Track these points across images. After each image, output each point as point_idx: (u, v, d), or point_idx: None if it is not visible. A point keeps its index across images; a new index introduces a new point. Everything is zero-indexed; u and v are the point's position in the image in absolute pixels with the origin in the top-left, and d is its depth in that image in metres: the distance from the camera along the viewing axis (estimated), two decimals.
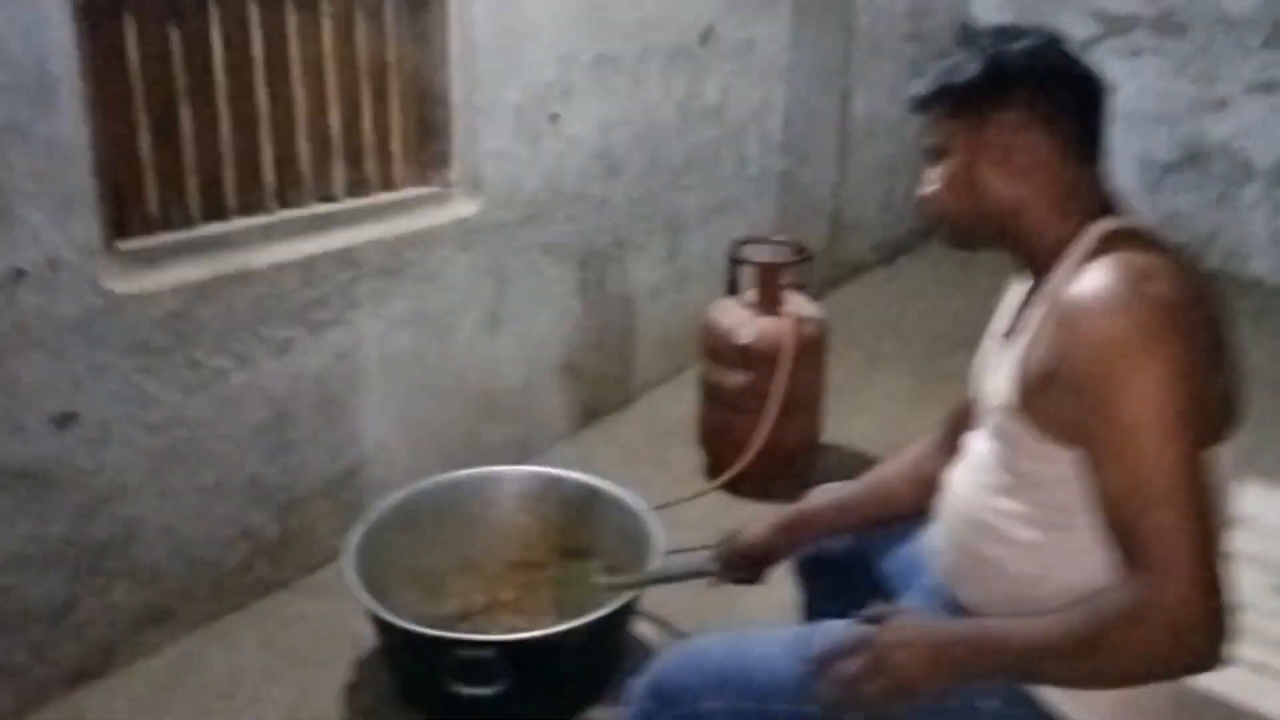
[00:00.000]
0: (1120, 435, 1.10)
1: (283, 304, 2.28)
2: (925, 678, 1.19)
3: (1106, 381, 1.10)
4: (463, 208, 2.69)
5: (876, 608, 1.30)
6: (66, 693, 2.06)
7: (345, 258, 2.40)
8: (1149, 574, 1.08)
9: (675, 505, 2.66)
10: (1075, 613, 1.14)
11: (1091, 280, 1.14)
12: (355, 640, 2.27)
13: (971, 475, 1.35)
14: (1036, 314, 1.24)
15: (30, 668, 1.99)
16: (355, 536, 1.93)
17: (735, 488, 2.82)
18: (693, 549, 1.97)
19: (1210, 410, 1.14)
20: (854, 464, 3.12)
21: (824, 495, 1.66)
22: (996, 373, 1.30)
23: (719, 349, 2.79)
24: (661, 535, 1.95)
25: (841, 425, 3.17)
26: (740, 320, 2.76)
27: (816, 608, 1.80)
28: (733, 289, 2.90)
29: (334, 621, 2.34)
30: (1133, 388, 1.09)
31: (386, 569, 1.97)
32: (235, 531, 2.31)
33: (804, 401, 2.80)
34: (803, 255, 2.81)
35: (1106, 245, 1.19)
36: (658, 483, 2.94)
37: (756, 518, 1.72)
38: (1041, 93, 1.24)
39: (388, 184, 2.59)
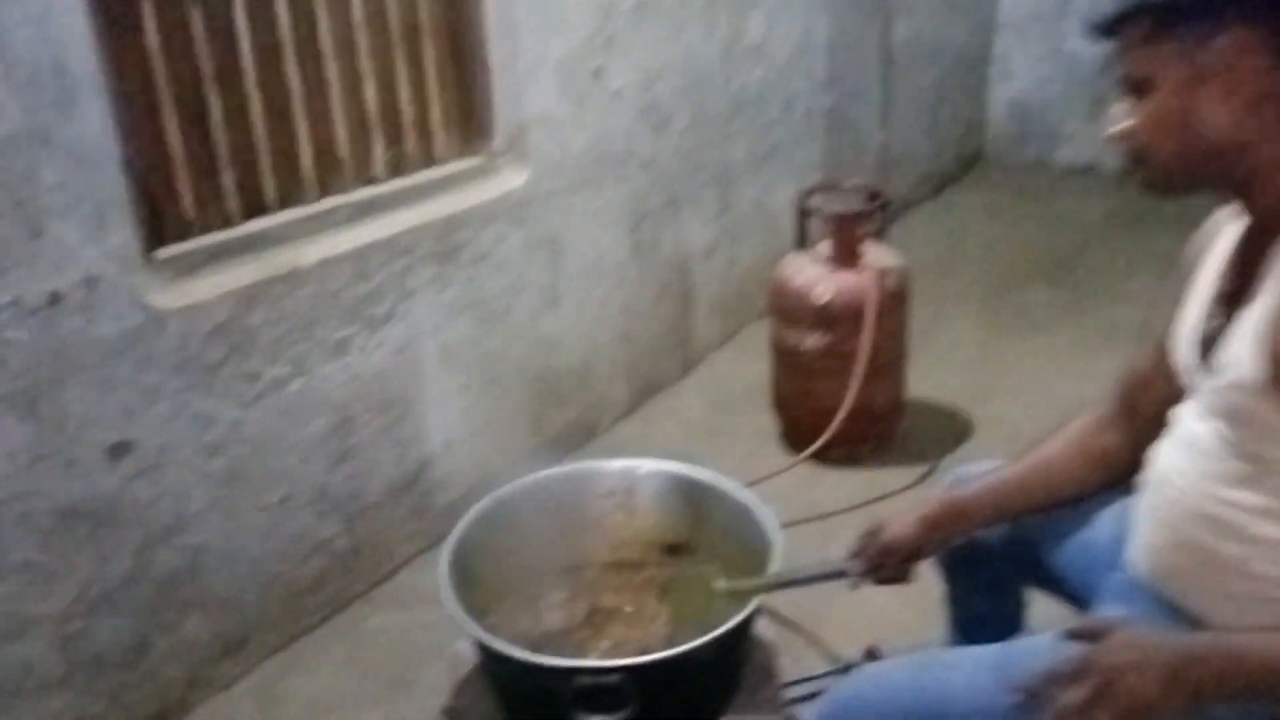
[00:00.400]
0: None
1: (336, 302, 2.10)
2: (1161, 704, 1.03)
3: None
4: (511, 179, 2.50)
5: (1089, 621, 1.14)
6: None
7: (396, 245, 2.21)
8: None
9: (765, 481, 2.49)
10: None
11: None
12: (442, 653, 2.12)
13: (1191, 461, 1.17)
14: None
15: (108, 713, 1.86)
16: (446, 554, 1.77)
17: (819, 456, 2.65)
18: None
19: None
20: (939, 420, 2.96)
21: (979, 481, 1.48)
22: (1229, 342, 1.11)
23: (793, 310, 2.61)
24: (774, 527, 1.79)
25: (916, 378, 2.99)
26: (816, 277, 2.58)
27: (967, 604, 1.65)
28: (802, 242, 2.70)
29: (417, 634, 2.20)
30: None
31: (479, 582, 1.81)
32: (305, 547, 2.16)
33: (888, 359, 2.62)
34: (879, 202, 2.61)
35: None
36: (732, 455, 2.79)
37: (900, 511, 1.54)
38: (1268, 5, 1.04)
39: (430, 160, 2.39)
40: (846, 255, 2.56)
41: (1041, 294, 3.77)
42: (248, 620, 2.07)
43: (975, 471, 1.56)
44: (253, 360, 1.97)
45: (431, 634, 2.20)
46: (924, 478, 2.69)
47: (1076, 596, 1.40)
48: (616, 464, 2.03)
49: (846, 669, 2.02)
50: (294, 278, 2.02)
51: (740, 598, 1.68)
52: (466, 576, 1.76)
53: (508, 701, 1.73)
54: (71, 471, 1.73)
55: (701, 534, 1.95)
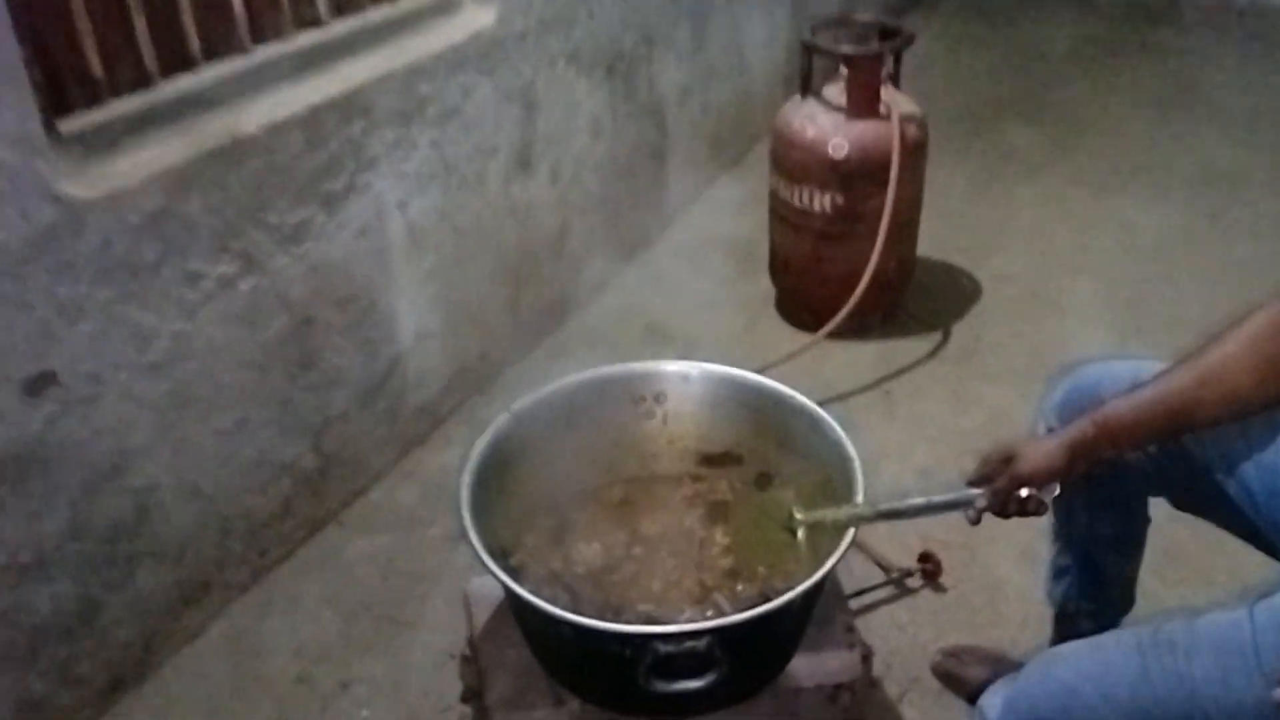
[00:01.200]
0: None
1: (288, 178, 1.71)
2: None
3: None
4: (478, 17, 2.08)
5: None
6: (104, 710, 1.63)
7: (352, 103, 1.80)
8: None
9: (781, 364, 2.24)
10: None
11: None
12: (438, 580, 1.86)
13: None
14: None
15: (54, 695, 1.54)
16: (466, 487, 1.47)
17: (819, 324, 2.38)
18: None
19: None
20: (943, 281, 2.73)
21: (1135, 396, 1.17)
22: None
23: (802, 166, 2.30)
24: (841, 435, 1.54)
25: None
26: (829, 128, 2.26)
27: (1091, 523, 1.43)
28: (806, 86, 2.36)
29: (405, 560, 1.92)
30: None
31: (499, 513, 1.52)
32: (268, 473, 1.83)
33: (906, 220, 2.36)
34: (900, 40, 2.27)
35: None
36: (730, 330, 2.52)
37: (1025, 436, 1.29)
38: None
39: None
40: (865, 103, 2.24)
41: (1023, 134, 3.52)
42: (208, 563, 1.76)
43: (1101, 374, 1.31)
44: (194, 258, 1.58)
45: (420, 559, 1.92)
46: (939, 347, 2.48)
47: (1255, 528, 1.19)
48: (643, 366, 1.73)
49: (902, 578, 1.83)
50: (235, 151, 1.61)
51: (822, 529, 1.45)
52: (484, 508, 1.47)
53: (559, 664, 1.48)
54: None
55: (747, 443, 1.69)
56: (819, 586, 1.33)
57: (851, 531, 1.33)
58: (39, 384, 1.41)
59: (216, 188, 1.59)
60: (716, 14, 2.95)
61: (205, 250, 1.60)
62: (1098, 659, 1.02)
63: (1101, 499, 1.37)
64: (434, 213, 2.05)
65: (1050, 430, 1.34)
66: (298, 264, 1.77)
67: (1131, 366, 1.29)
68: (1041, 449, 1.22)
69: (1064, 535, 1.47)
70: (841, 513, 1.41)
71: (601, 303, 2.65)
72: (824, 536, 1.42)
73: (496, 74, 2.12)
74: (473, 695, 1.61)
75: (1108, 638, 1.05)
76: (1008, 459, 1.25)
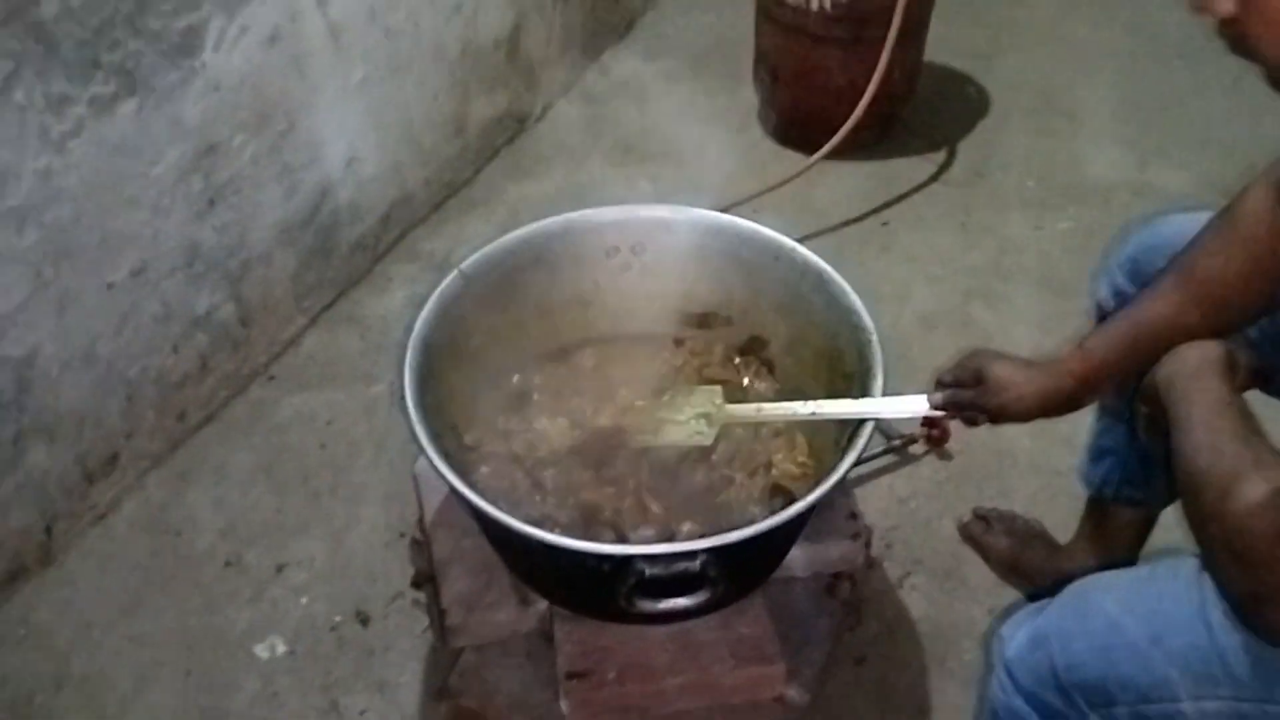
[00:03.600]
0: None
1: None
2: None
3: None
4: None
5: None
6: (6, 598, 1.44)
7: None
8: None
9: (769, 192, 1.97)
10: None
11: None
12: (382, 445, 1.66)
13: None
14: None
15: None
16: (410, 363, 1.23)
17: (815, 145, 2.10)
18: None
19: None
20: (947, 88, 2.43)
21: (1107, 336, 0.99)
22: None
23: None
24: (851, 294, 1.30)
25: None
26: None
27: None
28: None
29: (344, 420, 1.71)
30: None
31: (448, 386, 1.30)
32: (178, 327, 1.58)
33: (915, 22, 2.04)
34: None
35: None
36: (713, 148, 2.22)
37: (1002, 356, 1.05)
38: None
39: None
40: None
41: None
42: (113, 434, 1.53)
43: (1178, 230, 1.07)
44: (56, 77, 1.27)
45: (363, 420, 1.71)
46: (943, 168, 2.22)
47: None
48: (616, 211, 1.46)
49: (905, 445, 1.65)
50: None
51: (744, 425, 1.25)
52: (433, 380, 1.24)
53: (523, 568, 1.28)
54: None
55: (739, 301, 1.45)
56: (828, 494, 1.14)
57: (869, 427, 1.12)
58: None
59: None
60: None
61: (70, 67, 1.28)
62: (1151, 592, 0.83)
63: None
64: (361, 11, 1.71)
65: (1117, 296, 1.13)
66: (194, 80, 1.45)
67: (1199, 218, 1.05)
68: (1014, 389, 1.03)
69: (1112, 412, 1.27)
70: (771, 410, 1.21)
71: (563, 114, 2.33)
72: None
73: None
74: (425, 580, 1.43)
75: (1163, 567, 0.86)
76: (979, 379, 1.04)
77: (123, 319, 1.48)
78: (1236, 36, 0.77)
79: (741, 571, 1.17)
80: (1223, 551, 0.72)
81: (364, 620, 1.45)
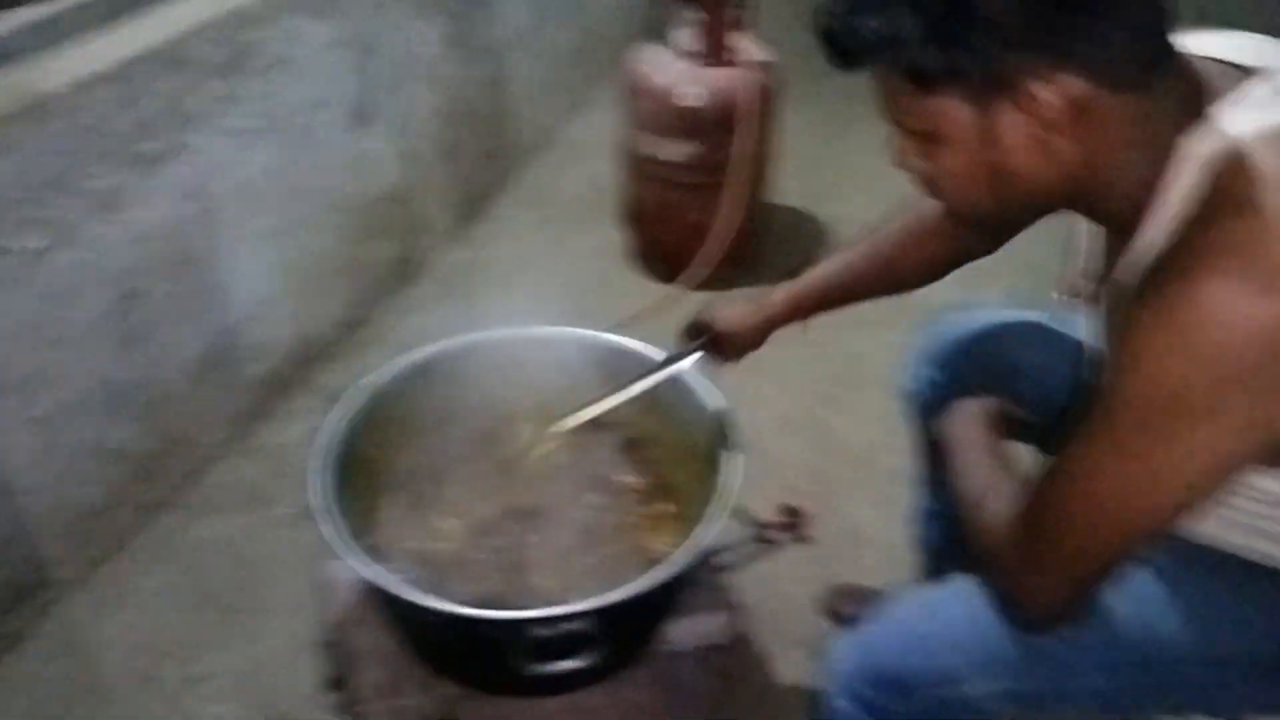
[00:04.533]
0: None
1: (98, 140, 1.54)
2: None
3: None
4: None
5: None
6: None
7: (170, 55, 1.64)
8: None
9: (638, 319, 2.20)
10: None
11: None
12: (287, 562, 1.77)
13: None
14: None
15: None
16: (317, 470, 1.38)
17: (673, 274, 2.36)
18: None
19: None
20: (789, 225, 2.74)
21: (816, 274, 1.41)
22: None
23: (654, 114, 2.25)
24: (711, 392, 1.52)
25: None
26: (680, 76, 2.21)
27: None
28: (654, 31, 2.31)
29: (249, 544, 1.82)
30: None
31: (353, 491, 1.45)
32: (93, 460, 1.69)
33: (761, 168, 2.35)
34: None
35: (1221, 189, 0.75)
36: (583, 282, 2.47)
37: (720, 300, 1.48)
38: (1050, 20, 0.75)
39: None
40: (715, 48, 2.21)
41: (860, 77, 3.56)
42: (29, 563, 1.61)
43: (965, 322, 1.35)
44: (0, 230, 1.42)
45: (268, 541, 1.83)
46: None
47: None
48: (497, 334, 1.66)
49: (764, 532, 1.85)
50: (38, 112, 1.44)
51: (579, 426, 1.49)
52: (337, 488, 1.39)
53: (428, 650, 1.42)
54: None
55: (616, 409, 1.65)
56: (703, 556, 1.32)
57: (729, 499, 1.32)
58: None
59: (18, 153, 1.42)
60: None
61: (8, 222, 1.44)
62: (940, 598, 1.01)
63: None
64: (265, 171, 1.91)
65: (930, 383, 1.37)
66: (116, 232, 1.61)
67: (989, 314, 1.33)
68: (739, 316, 1.43)
69: (932, 480, 1.50)
70: (590, 408, 1.47)
71: (449, 257, 2.55)
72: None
73: (328, 19, 1.98)
74: (337, 683, 1.54)
75: (955, 581, 1.05)
76: (708, 322, 1.44)
77: (45, 451, 1.59)
78: (939, 194, 0.93)
79: (624, 634, 1.34)
80: (981, 558, 0.93)
81: None
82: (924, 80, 0.80)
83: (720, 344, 1.44)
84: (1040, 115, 0.78)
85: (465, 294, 2.42)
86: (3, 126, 1.40)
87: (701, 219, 2.28)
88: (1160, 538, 0.83)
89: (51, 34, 1.51)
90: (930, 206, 1.22)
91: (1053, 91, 0.76)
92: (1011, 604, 0.89)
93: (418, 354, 1.58)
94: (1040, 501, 0.85)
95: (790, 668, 1.63)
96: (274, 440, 2.03)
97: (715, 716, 1.51)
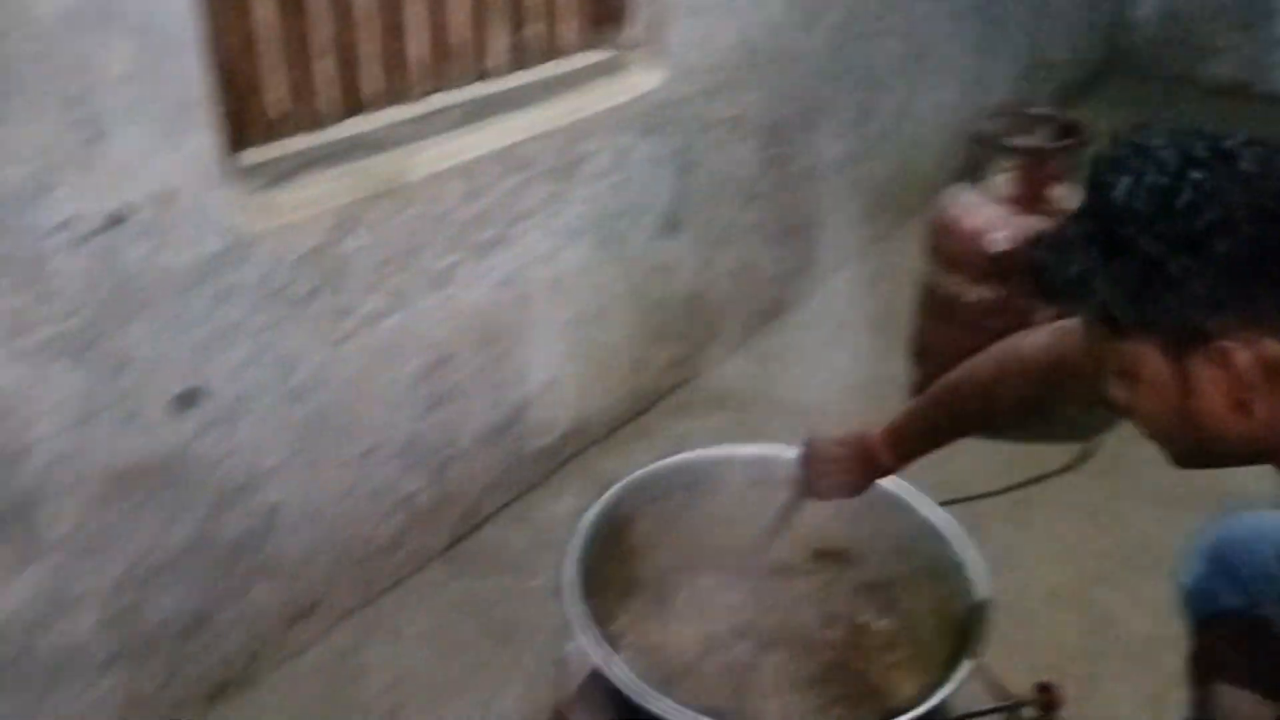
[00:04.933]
0: None
1: (443, 224, 1.75)
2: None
3: None
4: (645, 79, 2.10)
5: None
6: (207, 711, 1.69)
7: (512, 157, 1.85)
8: None
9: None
10: None
11: None
12: (534, 632, 1.86)
13: None
14: None
15: (161, 691, 1.61)
16: (573, 561, 1.47)
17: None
18: None
19: None
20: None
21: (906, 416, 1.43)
22: None
23: (959, 254, 2.24)
24: (961, 539, 1.47)
25: None
26: (992, 221, 2.20)
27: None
28: (972, 173, 2.31)
29: (506, 606, 1.93)
30: None
31: (604, 580, 1.52)
32: (387, 503, 1.87)
33: None
34: (1077, 137, 2.20)
35: None
36: (858, 407, 2.43)
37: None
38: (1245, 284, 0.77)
39: (554, 51, 1.99)
40: (1032, 197, 2.17)
41: None
42: (318, 584, 1.80)
43: (1253, 528, 1.24)
44: (346, 293, 1.64)
45: (522, 608, 1.93)
46: (1084, 457, 2.36)
47: None
48: (764, 449, 1.70)
49: (1017, 706, 1.75)
50: (399, 195, 1.67)
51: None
52: (590, 575, 1.46)
53: None
54: (131, 426, 1.43)
55: (864, 543, 1.64)
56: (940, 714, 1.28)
57: (976, 658, 1.28)
58: (188, 399, 1.48)
59: (377, 228, 1.64)
60: (888, 84, 2.92)
61: (358, 287, 1.65)
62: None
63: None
64: (578, 267, 2.07)
65: (1196, 584, 1.28)
66: (442, 306, 1.81)
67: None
68: (840, 467, 1.44)
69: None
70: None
71: (731, 367, 2.63)
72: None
73: (656, 135, 2.14)
74: None
75: None
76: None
77: (349, 489, 1.78)
78: (1130, 417, 0.95)
79: None
80: None
81: None
82: (1119, 325, 0.84)
83: (812, 485, 1.48)
84: (1233, 373, 0.79)
85: (740, 406, 2.48)
86: (368, 206, 1.62)
87: None
88: None
89: (418, 130, 1.74)
90: (1030, 346, 1.25)
91: (1246, 352, 0.78)
92: None
93: (686, 456, 1.65)
94: None
95: None
96: (542, 513, 2.16)
97: None
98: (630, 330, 2.29)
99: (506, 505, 2.15)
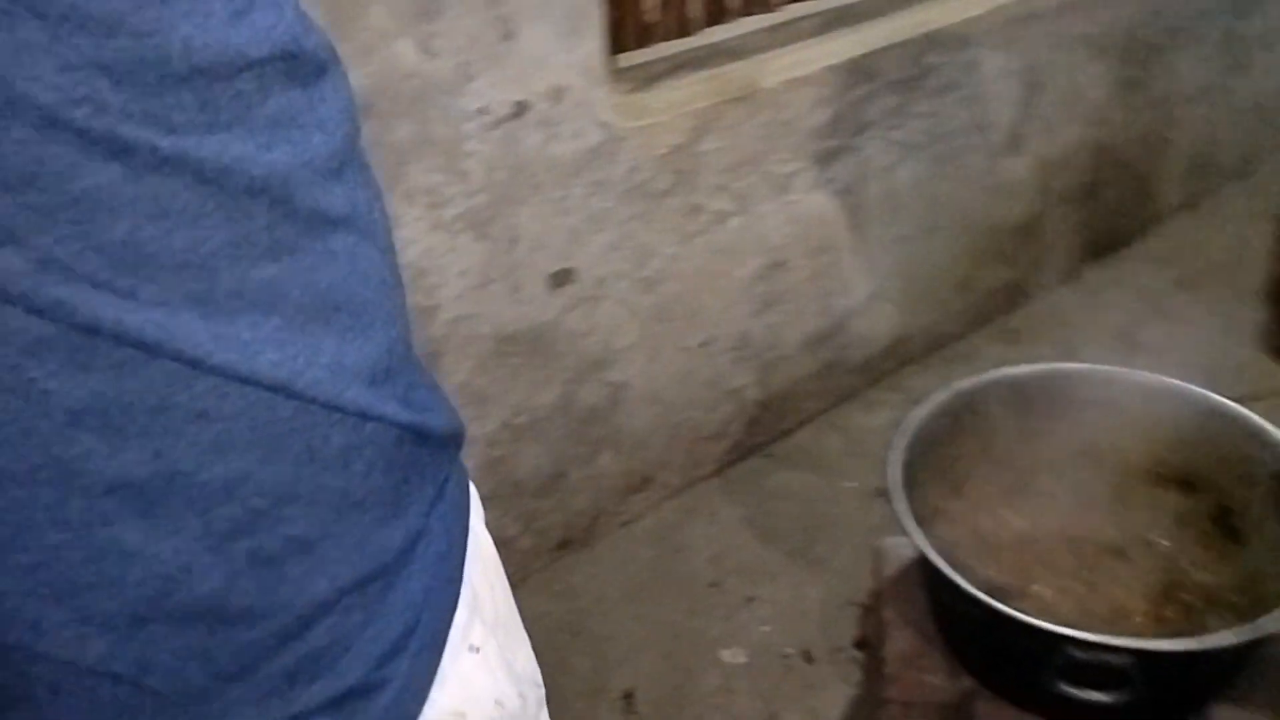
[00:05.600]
0: None
1: (789, 131, 1.84)
2: None
3: None
4: None
5: None
6: (552, 562, 1.91)
7: (860, 68, 1.89)
8: None
9: (1264, 400, 2.05)
10: None
11: None
12: (848, 529, 1.95)
13: None
14: None
15: (518, 538, 1.83)
16: (898, 452, 1.53)
17: None
18: None
19: None
20: None
21: None
22: None
23: None
24: None
25: None
26: None
27: None
28: None
29: (820, 504, 2.03)
30: None
31: (920, 482, 1.57)
32: (717, 394, 2.01)
33: None
34: None
35: None
36: (1203, 347, 2.32)
37: None
38: None
39: None
40: None
41: None
42: (654, 461, 1.97)
43: None
44: (698, 192, 1.76)
45: (835, 506, 2.02)
46: None
47: None
48: (1100, 369, 1.68)
49: None
50: (751, 100, 1.76)
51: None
52: (912, 473, 1.51)
53: (961, 640, 1.51)
54: (516, 297, 1.63)
55: (1205, 472, 1.59)
56: (1258, 642, 1.25)
57: None
58: (561, 278, 1.66)
59: (730, 132, 1.75)
60: (1255, 12, 2.68)
61: (709, 186, 1.77)
62: None
63: None
64: (914, 182, 2.09)
65: None
66: (781, 211, 1.90)
67: None
68: None
69: None
70: None
71: (1062, 297, 2.55)
72: None
73: (1005, 51, 2.10)
74: (866, 644, 1.69)
75: None
76: None
77: (685, 376, 1.93)
78: None
79: (1164, 690, 1.31)
80: None
81: (809, 659, 1.73)
82: None
83: None
84: None
85: (1066, 335, 2.41)
86: (726, 110, 1.73)
87: None
88: None
89: (775, 40, 1.83)
90: None
91: None
92: None
93: (1011, 370, 1.66)
94: None
95: None
96: (856, 422, 2.23)
97: None
98: (960, 250, 2.29)
99: (824, 412, 2.24)
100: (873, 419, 2.23)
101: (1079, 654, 1.26)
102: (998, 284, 2.43)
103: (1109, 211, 2.61)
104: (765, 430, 2.15)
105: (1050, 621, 1.41)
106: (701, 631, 1.78)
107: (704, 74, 1.75)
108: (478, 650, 0.59)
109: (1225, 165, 2.87)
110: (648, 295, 1.79)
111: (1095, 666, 1.26)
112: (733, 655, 1.74)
